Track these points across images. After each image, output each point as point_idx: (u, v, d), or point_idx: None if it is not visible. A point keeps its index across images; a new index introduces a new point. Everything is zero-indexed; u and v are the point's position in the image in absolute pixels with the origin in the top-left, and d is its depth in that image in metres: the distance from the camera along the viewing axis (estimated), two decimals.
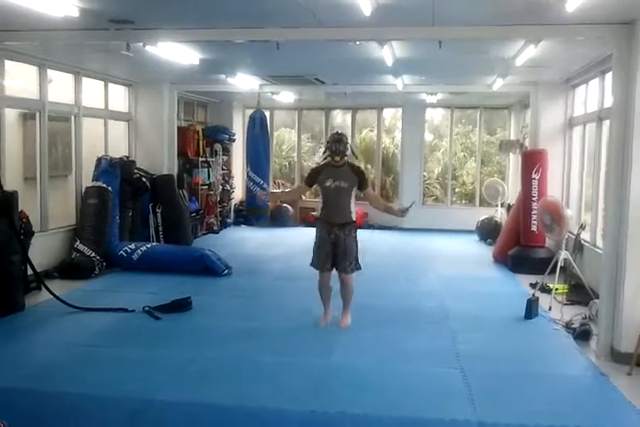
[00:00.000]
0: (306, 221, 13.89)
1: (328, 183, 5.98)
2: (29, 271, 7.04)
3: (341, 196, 5.97)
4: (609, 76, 7.10)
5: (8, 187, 6.99)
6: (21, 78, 8.45)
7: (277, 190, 14.02)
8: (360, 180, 6.02)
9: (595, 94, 8.39)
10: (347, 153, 6.03)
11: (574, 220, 8.78)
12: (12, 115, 8.34)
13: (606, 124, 7.52)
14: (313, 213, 14.09)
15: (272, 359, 5.27)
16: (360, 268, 6.17)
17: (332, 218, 6.03)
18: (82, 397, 4.43)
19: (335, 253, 6.03)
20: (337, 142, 5.92)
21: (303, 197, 14.52)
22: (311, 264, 6.16)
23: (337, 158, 5.94)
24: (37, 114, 8.51)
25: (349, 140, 6.20)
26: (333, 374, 5.01)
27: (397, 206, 6.46)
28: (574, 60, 8.06)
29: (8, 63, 7.79)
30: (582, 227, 8.29)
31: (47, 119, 8.59)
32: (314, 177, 6.12)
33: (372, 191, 6.45)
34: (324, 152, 6.16)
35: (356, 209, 6.12)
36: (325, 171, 6.06)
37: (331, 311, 6.32)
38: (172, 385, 4.69)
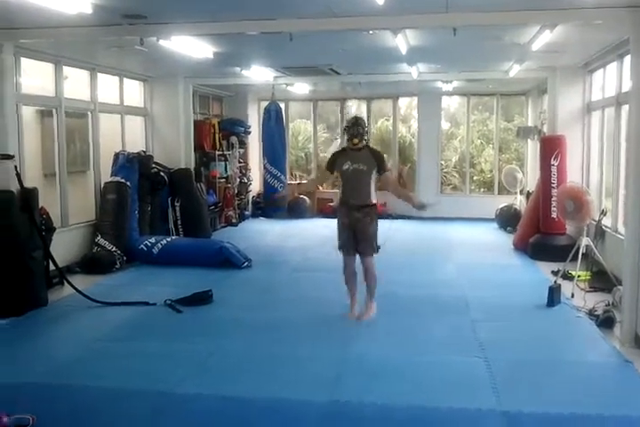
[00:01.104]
0: (323, 213, 13.87)
1: (346, 166, 5.98)
2: (52, 267, 7.12)
3: (360, 178, 5.96)
4: (627, 59, 7.00)
5: (28, 183, 7.05)
6: (38, 76, 8.50)
7: (295, 182, 14.03)
8: (378, 163, 6.01)
9: (613, 78, 8.28)
10: (365, 137, 6.04)
11: (595, 206, 8.70)
12: (29, 112, 8.41)
13: (625, 108, 7.44)
14: (331, 204, 14.10)
15: (292, 351, 5.29)
16: (379, 248, 6.14)
17: (351, 200, 6.02)
18: (104, 390, 4.47)
19: (355, 236, 6.03)
20: (355, 126, 5.95)
21: (320, 188, 14.52)
22: (338, 247, 6.17)
23: (355, 141, 5.95)
24: (54, 111, 8.57)
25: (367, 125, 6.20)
26: (354, 364, 5.02)
27: (418, 198, 6.43)
28: (591, 45, 7.96)
29: (24, 61, 7.84)
30: (603, 213, 8.20)
31: (64, 116, 8.65)
32: (333, 161, 6.14)
33: (390, 176, 6.43)
34: (343, 135, 6.17)
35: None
36: (344, 154, 6.07)
37: (357, 302, 6.29)
38: (194, 378, 4.72)
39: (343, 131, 6.14)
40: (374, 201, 6.07)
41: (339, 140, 14.55)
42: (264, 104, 13.82)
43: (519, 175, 12.54)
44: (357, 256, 6.14)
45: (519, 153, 14.43)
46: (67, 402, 4.33)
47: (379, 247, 6.13)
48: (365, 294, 6.28)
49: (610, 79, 8.56)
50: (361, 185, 5.97)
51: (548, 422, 3.99)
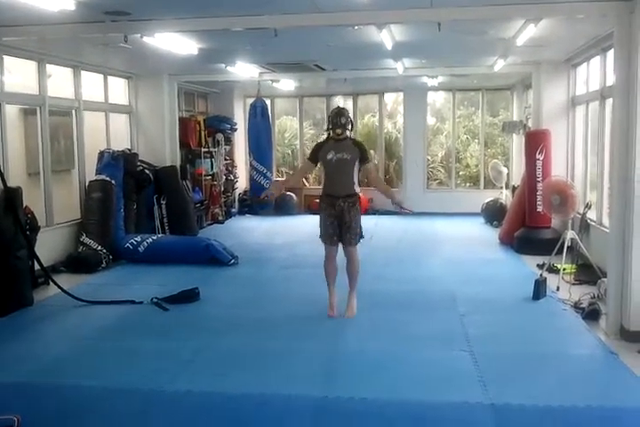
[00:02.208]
0: (310, 209, 13.87)
1: (330, 156, 5.97)
2: (37, 266, 7.07)
3: (344, 168, 5.95)
4: (610, 53, 7.05)
5: (12, 183, 7.00)
6: (21, 74, 8.43)
7: (280, 179, 14.01)
8: (361, 153, 6.00)
9: (597, 73, 8.33)
10: (348, 127, 6.03)
11: (580, 199, 8.75)
12: (12, 110, 8.33)
13: (609, 102, 7.48)
14: (317, 201, 14.08)
15: (281, 347, 5.29)
16: (363, 237, 6.12)
17: (335, 191, 6.01)
18: (92, 389, 4.45)
19: (340, 226, 6.02)
20: (338, 116, 5.95)
21: (307, 184, 14.52)
22: (320, 236, 6.15)
23: (338, 131, 5.95)
24: (38, 109, 8.49)
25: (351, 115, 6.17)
26: (343, 359, 5.03)
27: (399, 197, 6.44)
28: (575, 39, 7.99)
29: (7, 59, 7.77)
30: (588, 206, 8.26)
31: (48, 114, 8.57)
32: (316, 152, 6.12)
33: (373, 168, 6.42)
34: (327, 126, 6.15)
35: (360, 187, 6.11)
36: (327, 145, 6.06)
37: (336, 297, 6.21)
38: (183, 376, 4.71)
39: (327, 121, 6.12)
40: (358, 190, 6.07)
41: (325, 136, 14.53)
42: (250, 101, 13.78)
43: (504, 170, 12.59)
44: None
45: (505, 148, 14.49)
46: (53, 401, 4.30)
47: (362, 236, 6.12)
48: (348, 288, 6.22)
49: (594, 73, 8.60)
50: (345, 175, 5.96)
51: (536, 415, 4.01)
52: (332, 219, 6.00)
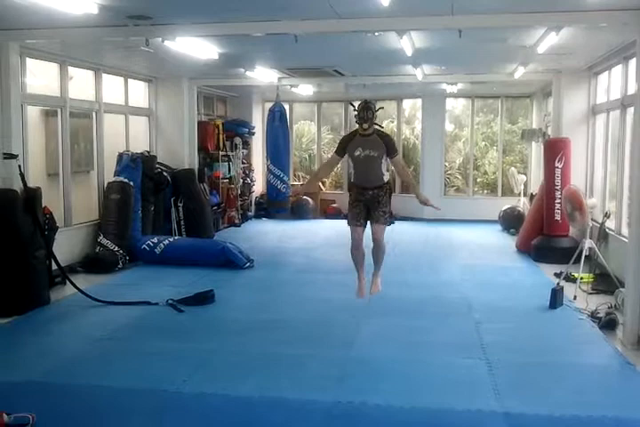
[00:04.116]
0: (326, 214, 13.89)
1: (357, 153, 5.89)
2: (54, 266, 7.12)
3: (372, 164, 5.88)
4: (632, 62, 6.99)
5: (32, 183, 7.06)
6: (43, 76, 8.52)
7: (298, 183, 14.03)
8: (388, 147, 5.93)
9: (618, 81, 8.27)
10: (375, 121, 5.96)
11: (599, 208, 8.69)
12: (34, 112, 8.42)
13: (630, 111, 7.41)
14: (334, 206, 14.09)
15: (295, 351, 5.29)
16: (393, 222, 6.02)
17: (364, 183, 5.97)
18: (107, 389, 4.48)
19: (368, 210, 5.92)
20: (364, 110, 5.81)
21: (323, 189, 14.51)
22: (348, 223, 6.08)
23: (365, 126, 5.82)
24: (59, 111, 8.58)
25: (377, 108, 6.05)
26: (356, 364, 5.02)
27: (425, 195, 6.38)
28: (597, 47, 7.94)
29: (29, 61, 7.86)
30: (607, 215, 8.19)
31: (69, 116, 8.66)
32: (344, 146, 6.04)
33: (400, 160, 6.32)
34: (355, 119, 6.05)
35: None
36: (354, 140, 5.96)
37: (364, 279, 6.03)
38: (196, 377, 4.73)
39: (354, 115, 5.99)
40: (387, 179, 5.96)
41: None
42: (268, 105, 13.80)
43: (521, 177, 12.53)
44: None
45: (523, 155, 14.42)
46: (68, 401, 4.33)
47: (393, 222, 6.00)
48: (373, 269, 6.06)
49: (615, 82, 8.54)
50: (373, 169, 5.90)
51: (551, 424, 3.98)
52: (360, 203, 5.93)
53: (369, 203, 5.89)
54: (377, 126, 5.82)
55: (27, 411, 3.89)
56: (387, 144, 5.86)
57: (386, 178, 5.94)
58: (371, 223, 5.93)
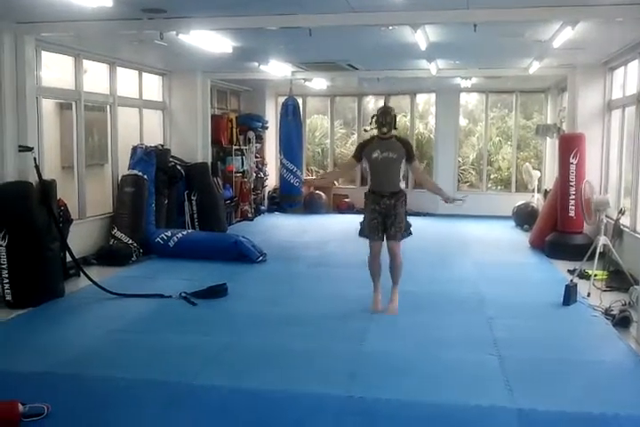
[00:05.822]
0: (339, 208, 13.88)
1: (375, 155, 5.96)
2: (68, 258, 7.17)
3: (390, 167, 5.95)
4: None
5: (46, 175, 7.11)
6: (58, 69, 8.56)
7: (311, 177, 14.02)
8: (407, 151, 5.99)
9: (634, 76, 8.20)
10: (394, 126, 6.01)
11: (613, 205, 8.63)
12: (49, 105, 8.47)
13: None
14: (346, 200, 14.07)
15: (307, 345, 5.30)
16: (411, 233, 6.22)
17: (381, 188, 6.02)
18: (120, 381, 4.51)
19: (385, 222, 6.02)
20: (384, 115, 5.93)
21: (336, 184, 14.50)
22: (360, 234, 6.14)
23: (384, 130, 5.93)
24: (74, 104, 8.62)
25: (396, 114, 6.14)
26: (368, 359, 5.02)
27: (448, 193, 6.46)
28: (613, 42, 7.88)
29: (44, 54, 7.89)
30: (622, 212, 8.14)
31: (83, 109, 8.70)
32: (361, 150, 6.11)
33: (418, 166, 6.40)
34: (370, 123, 6.13)
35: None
36: (372, 143, 6.04)
37: (381, 293, 6.27)
38: (209, 370, 4.75)
39: (371, 120, 6.08)
40: (403, 187, 6.10)
41: (356, 136, 14.56)
42: (281, 99, 13.78)
43: (535, 173, 12.45)
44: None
45: (538, 151, 14.33)
46: (82, 392, 4.36)
47: (410, 233, 6.17)
48: (392, 284, 6.28)
49: (631, 77, 8.47)
50: (391, 173, 5.97)
51: (563, 421, 3.96)
52: (377, 215, 6.02)
53: (386, 214, 5.95)
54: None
55: (41, 401, 3.93)
56: (406, 148, 5.95)
57: (402, 186, 6.02)
58: (387, 239, 6.03)
